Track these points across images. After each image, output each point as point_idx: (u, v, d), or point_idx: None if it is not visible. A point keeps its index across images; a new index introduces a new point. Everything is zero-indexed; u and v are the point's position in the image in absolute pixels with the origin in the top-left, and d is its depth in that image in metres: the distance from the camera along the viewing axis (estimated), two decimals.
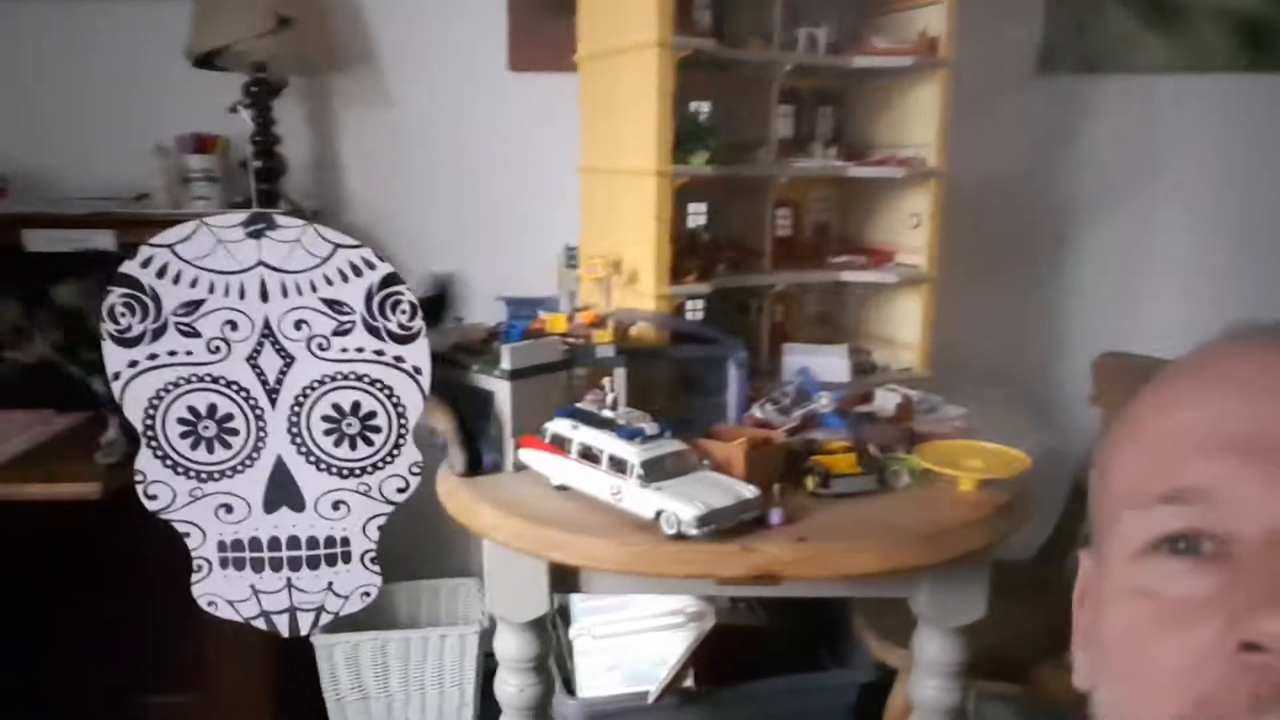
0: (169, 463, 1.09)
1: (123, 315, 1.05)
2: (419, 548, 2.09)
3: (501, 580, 1.18)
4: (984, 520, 1.16)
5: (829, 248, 1.80)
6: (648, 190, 1.46)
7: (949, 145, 1.66)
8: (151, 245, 1.04)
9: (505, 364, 1.20)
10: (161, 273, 1.05)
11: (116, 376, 1.06)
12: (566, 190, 1.79)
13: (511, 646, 1.22)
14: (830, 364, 1.59)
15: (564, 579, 1.17)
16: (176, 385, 1.08)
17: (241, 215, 1.04)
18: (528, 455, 1.21)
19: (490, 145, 2.10)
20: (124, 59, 2.01)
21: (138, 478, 1.09)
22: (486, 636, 1.86)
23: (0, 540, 1.62)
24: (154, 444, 1.09)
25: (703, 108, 1.59)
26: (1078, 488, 1.79)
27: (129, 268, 1.04)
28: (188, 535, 1.12)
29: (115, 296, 1.04)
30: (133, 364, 1.06)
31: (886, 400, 1.51)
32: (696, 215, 1.68)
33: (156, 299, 1.05)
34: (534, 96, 2.07)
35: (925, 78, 1.67)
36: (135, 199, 1.93)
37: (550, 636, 1.28)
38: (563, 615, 1.84)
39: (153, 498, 1.09)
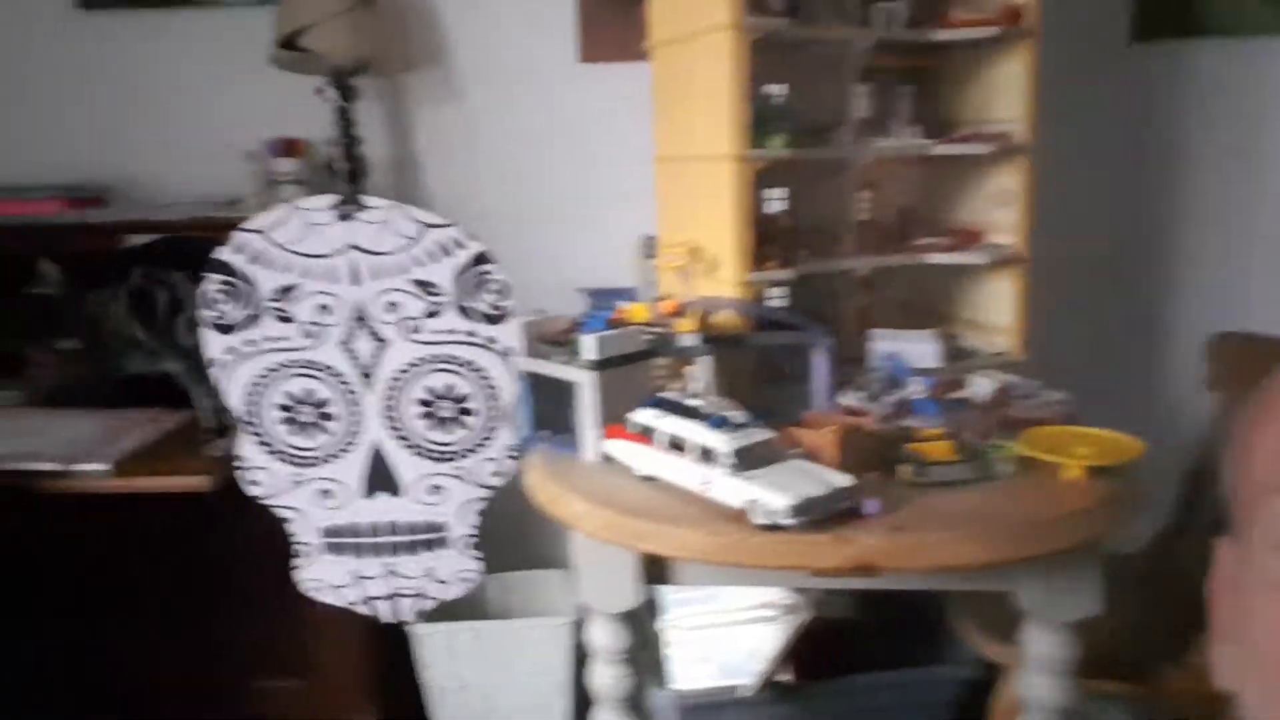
0: (269, 449, 1.11)
1: (219, 302, 1.06)
2: (508, 539, 2.12)
3: (592, 571, 1.17)
4: (1093, 510, 1.09)
5: (913, 230, 1.74)
6: (725, 176, 1.44)
7: (1038, 119, 1.59)
8: (244, 231, 1.05)
9: (589, 354, 1.19)
10: (255, 258, 1.06)
11: (215, 364, 1.07)
12: (642, 180, 1.77)
13: (604, 638, 1.21)
14: (919, 349, 1.54)
15: (655, 570, 1.15)
16: (274, 371, 1.09)
17: (331, 198, 1.04)
18: (613, 446, 1.19)
19: (564, 138, 2.09)
20: (212, 66, 2.05)
21: (239, 464, 1.10)
22: (578, 628, 1.84)
23: (111, 532, 1.66)
24: (255, 430, 1.10)
25: (778, 90, 1.55)
26: (1194, 474, 1.70)
27: (224, 254, 1.05)
28: (289, 520, 1.13)
29: (211, 284, 1.05)
30: (231, 350, 1.08)
31: (981, 386, 1.45)
32: (776, 200, 1.64)
33: (251, 285, 1.07)
34: (606, 87, 2.06)
35: (1010, 49, 1.61)
36: (228, 204, 1.97)
37: (643, 628, 1.26)
38: (655, 607, 1.82)
39: (255, 483, 1.10)
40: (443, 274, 1.05)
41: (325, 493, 1.12)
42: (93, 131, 2.07)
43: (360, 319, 1.07)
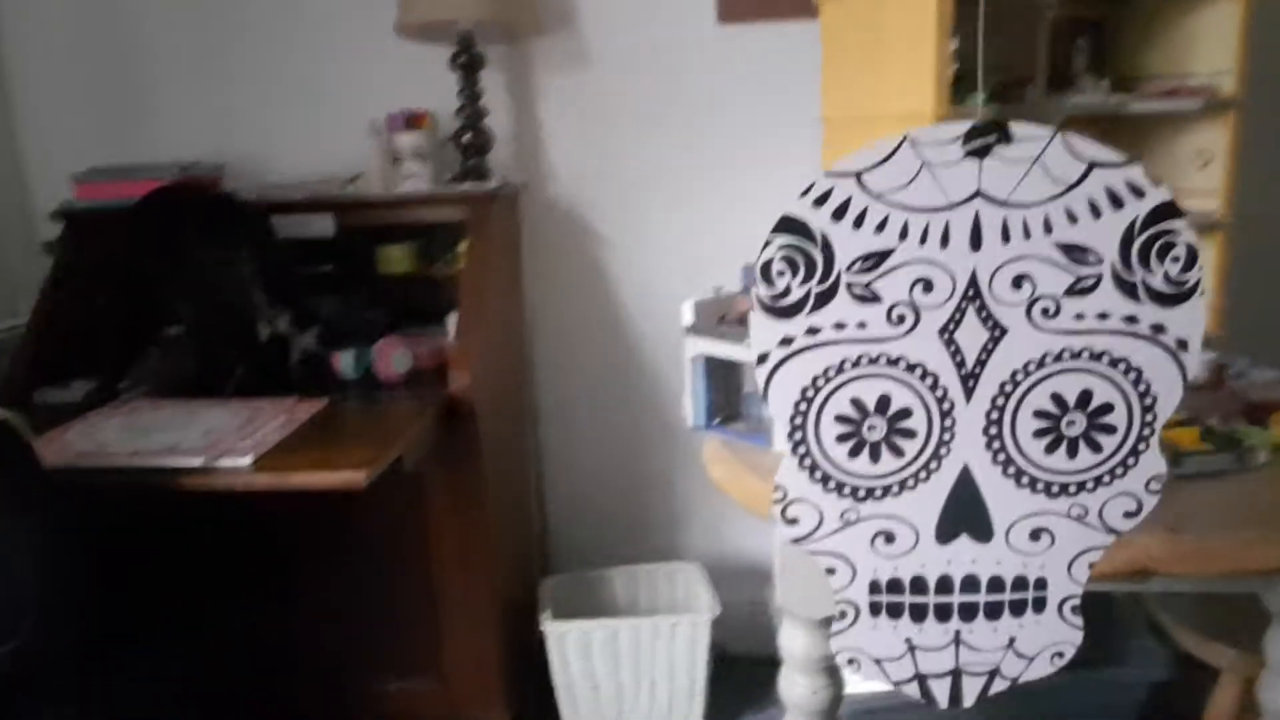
0: (819, 475, 0.79)
1: (780, 274, 0.74)
2: (630, 530, 2.16)
3: (793, 574, 1.08)
4: None
5: None
6: None
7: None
8: (832, 175, 0.73)
9: None
10: (840, 212, 0.74)
11: (764, 358, 0.76)
12: (791, 144, 1.73)
13: (801, 645, 1.14)
14: None
15: None
16: (840, 370, 0.77)
17: (964, 124, 0.73)
18: None
19: (701, 103, 1.98)
20: (330, 39, 1.97)
21: (776, 495, 0.79)
22: (717, 625, 1.83)
23: (247, 529, 1.64)
24: (800, 449, 0.78)
25: (969, 43, 1.43)
26: None
27: (797, 209, 0.73)
28: (833, 571, 0.82)
29: (774, 249, 0.73)
30: (786, 341, 0.76)
31: None
32: None
33: (829, 251, 0.75)
34: (748, 48, 1.94)
35: None
36: (350, 180, 1.90)
37: None
38: None
39: (793, 521, 0.79)
40: (1104, 234, 0.75)
41: (886, 535, 0.81)
42: (211, 108, 2.03)
43: (973, 297, 0.76)
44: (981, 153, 0.73)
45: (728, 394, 1.30)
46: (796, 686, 1.17)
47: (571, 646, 1.84)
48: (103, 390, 1.65)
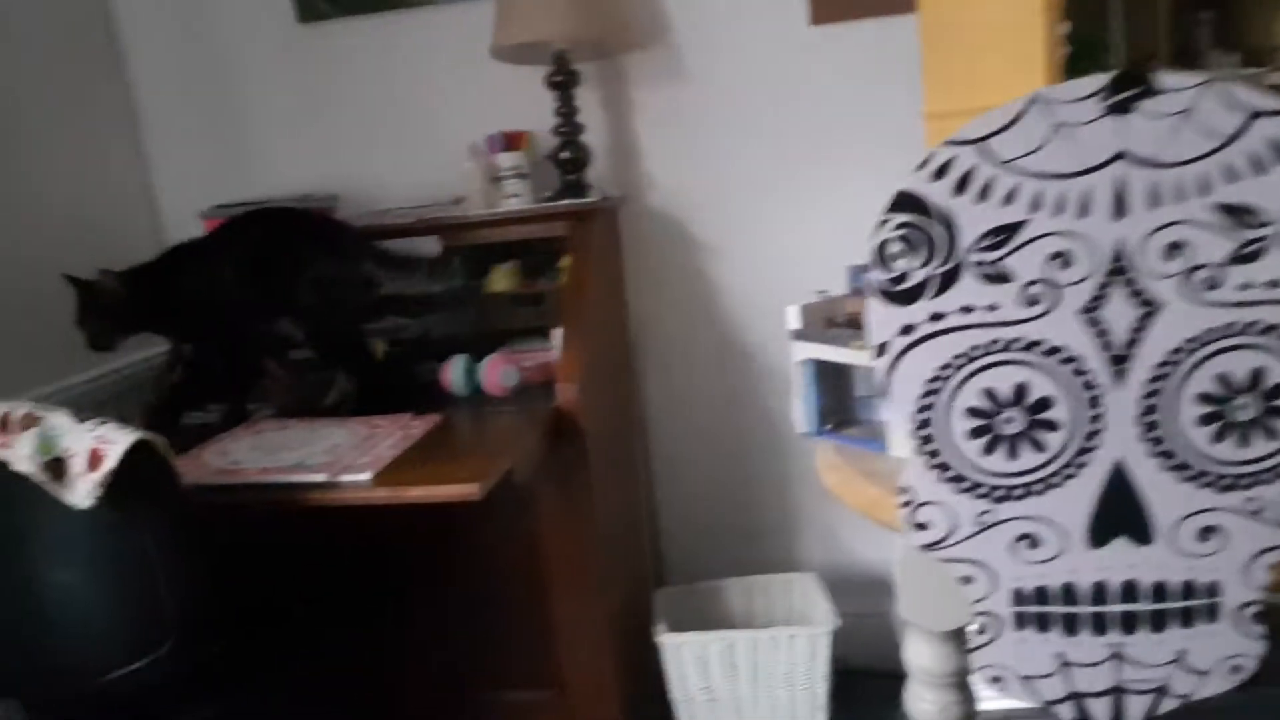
0: (950, 475, 0.73)
1: (898, 256, 0.68)
2: (743, 540, 2.11)
3: (917, 584, 1.02)
4: None
5: None
6: None
7: None
8: (952, 144, 0.67)
9: None
10: (963, 185, 0.68)
11: (883, 349, 0.69)
12: (892, 143, 1.70)
13: (927, 659, 1.08)
14: None
15: None
16: (970, 358, 0.71)
17: (1102, 78, 0.66)
18: None
19: (797, 106, 1.93)
20: (428, 67, 2.02)
21: (903, 498, 0.72)
22: (838, 637, 1.78)
23: (368, 545, 1.65)
24: (927, 446, 0.72)
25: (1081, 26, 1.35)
26: None
27: (914, 184, 0.67)
28: (969, 580, 0.74)
29: (890, 229, 0.67)
30: (908, 329, 0.70)
31: None
32: None
33: (951, 228, 0.68)
34: (841, 49, 1.87)
35: None
36: (454, 203, 1.92)
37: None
38: None
39: (922, 527, 0.72)
40: (1271, 191, 0.66)
41: (1029, 539, 0.74)
42: (318, 141, 2.09)
43: (1119, 272, 0.68)
44: (1123, 108, 0.66)
45: (839, 399, 1.25)
46: (923, 703, 1.12)
47: (688, 659, 1.80)
48: (233, 412, 1.71)
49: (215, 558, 1.21)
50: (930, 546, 0.74)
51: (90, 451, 1.07)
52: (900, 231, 0.68)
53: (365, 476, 1.33)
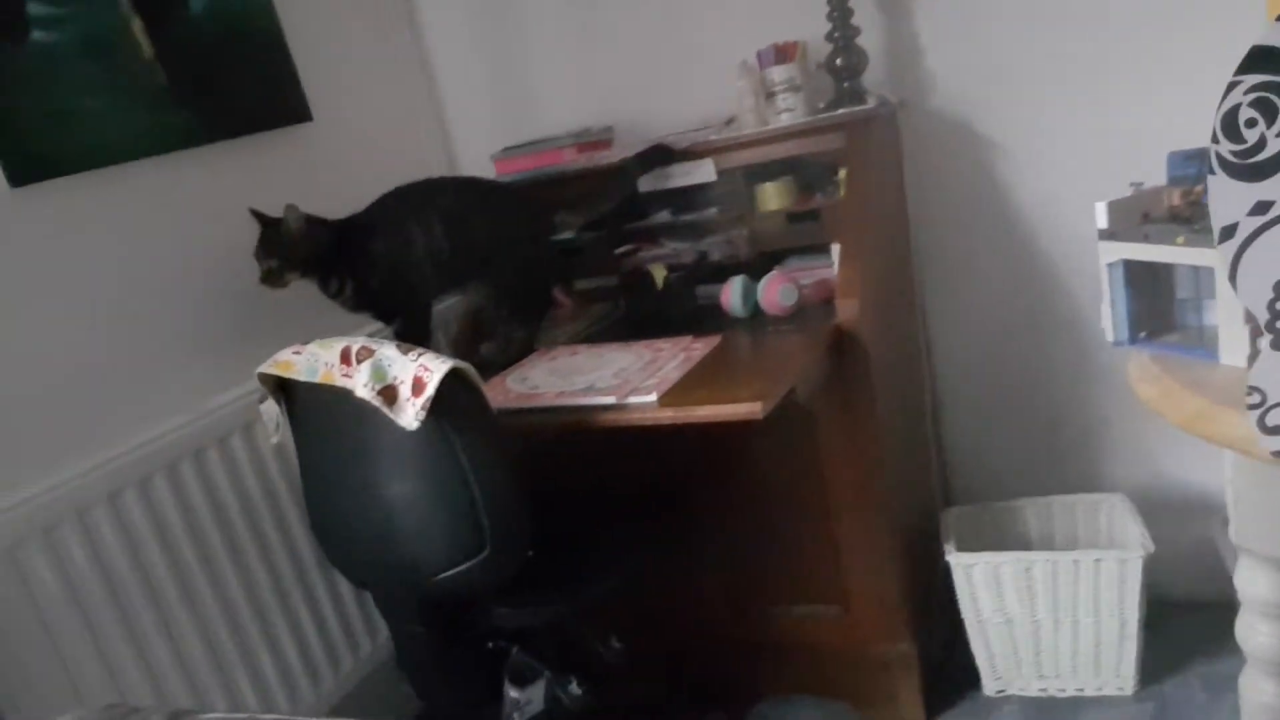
0: None
1: (1252, 123, 0.58)
2: (1041, 460, 2.02)
3: (1254, 504, 0.98)
4: None
5: None
6: None
7: None
8: None
9: None
10: None
11: (1230, 232, 0.61)
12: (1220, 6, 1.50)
13: (1264, 587, 1.04)
14: None
15: None
16: None
17: None
18: None
19: None
20: None
21: (1253, 399, 0.64)
22: (1152, 564, 1.65)
23: (653, 460, 1.70)
24: None
25: None
26: None
27: (1273, 36, 0.56)
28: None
29: (1241, 93, 0.58)
30: (1262, 207, 0.60)
31: None
32: None
33: None
34: None
35: None
36: (726, 124, 1.92)
37: None
38: None
39: (1276, 431, 0.63)
40: None
41: None
42: (592, 76, 2.15)
43: None
44: None
45: (1155, 303, 1.15)
46: (1259, 635, 1.08)
47: (979, 580, 1.74)
48: (526, 342, 1.85)
49: (523, 478, 1.32)
50: None
51: (414, 379, 1.20)
52: (1255, 95, 0.59)
53: (651, 398, 1.39)
